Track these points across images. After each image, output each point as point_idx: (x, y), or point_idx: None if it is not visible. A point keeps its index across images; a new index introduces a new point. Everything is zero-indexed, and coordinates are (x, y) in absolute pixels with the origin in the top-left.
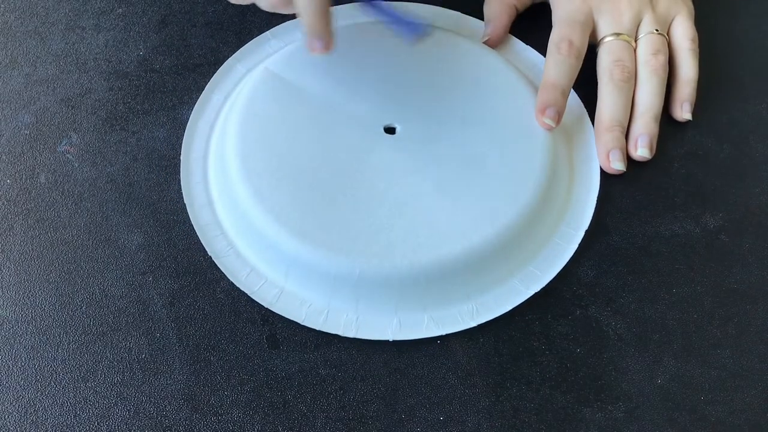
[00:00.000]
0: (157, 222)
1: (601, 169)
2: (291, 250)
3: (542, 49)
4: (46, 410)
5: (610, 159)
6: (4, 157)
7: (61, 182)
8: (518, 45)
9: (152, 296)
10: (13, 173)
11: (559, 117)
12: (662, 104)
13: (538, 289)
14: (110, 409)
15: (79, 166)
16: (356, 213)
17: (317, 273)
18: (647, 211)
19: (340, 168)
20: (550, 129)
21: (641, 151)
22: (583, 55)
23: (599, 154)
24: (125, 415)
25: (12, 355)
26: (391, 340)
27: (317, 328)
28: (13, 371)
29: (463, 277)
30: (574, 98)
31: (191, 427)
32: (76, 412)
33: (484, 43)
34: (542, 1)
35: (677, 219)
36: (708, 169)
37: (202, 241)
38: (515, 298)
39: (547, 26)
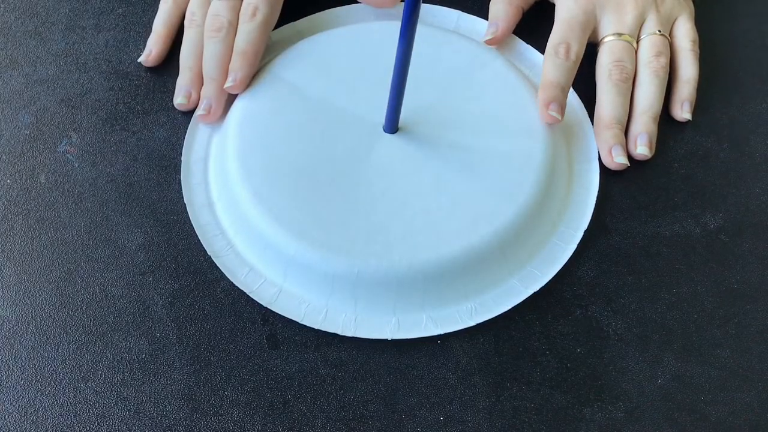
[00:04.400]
0: (157, 222)
1: (600, 168)
2: (289, 249)
3: (543, 49)
4: (46, 410)
5: (613, 154)
6: (4, 157)
7: (61, 182)
8: (519, 45)
9: (152, 296)
10: (13, 173)
11: (562, 111)
12: (662, 105)
13: (537, 289)
14: (110, 409)
15: (79, 166)
16: (355, 213)
17: (316, 272)
18: (647, 211)
19: (339, 168)
20: (556, 122)
21: (641, 149)
22: (581, 57)
23: (601, 151)
24: (125, 415)
25: (12, 355)
26: (389, 339)
27: (316, 327)
28: (13, 371)
29: (461, 277)
30: (574, 98)
31: (191, 427)
32: (76, 412)
33: (487, 42)
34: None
35: (677, 219)
36: (708, 169)
37: (202, 241)
38: (514, 298)
39: (548, 26)
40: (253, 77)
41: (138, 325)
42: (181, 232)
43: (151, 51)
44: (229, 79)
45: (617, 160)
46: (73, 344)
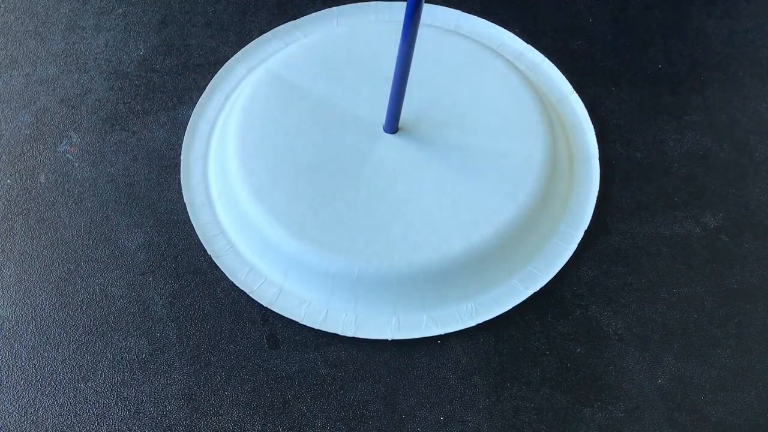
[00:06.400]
0: (157, 222)
1: (600, 168)
2: (290, 249)
3: (542, 49)
4: (46, 410)
5: None
6: (4, 157)
7: (61, 182)
8: (519, 45)
9: (152, 296)
10: (13, 173)
11: None
12: None
13: (537, 289)
14: (110, 409)
15: (79, 166)
16: (355, 212)
17: (316, 272)
18: (647, 211)
19: (339, 167)
20: None
21: None
22: None
23: None
24: (125, 415)
25: (12, 355)
26: (389, 339)
27: (316, 327)
28: (13, 371)
29: (462, 277)
30: (575, 100)
31: (191, 427)
32: (76, 412)
33: None
34: None
35: (677, 219)
36: (708, 169)
37: (202, 240)
38: (515, 297)
39: (547, 25)
40: (254, 77)
41: (138, 325)
42: (181, 232)
43: None
44: None
45: None
46: (73, 344)
